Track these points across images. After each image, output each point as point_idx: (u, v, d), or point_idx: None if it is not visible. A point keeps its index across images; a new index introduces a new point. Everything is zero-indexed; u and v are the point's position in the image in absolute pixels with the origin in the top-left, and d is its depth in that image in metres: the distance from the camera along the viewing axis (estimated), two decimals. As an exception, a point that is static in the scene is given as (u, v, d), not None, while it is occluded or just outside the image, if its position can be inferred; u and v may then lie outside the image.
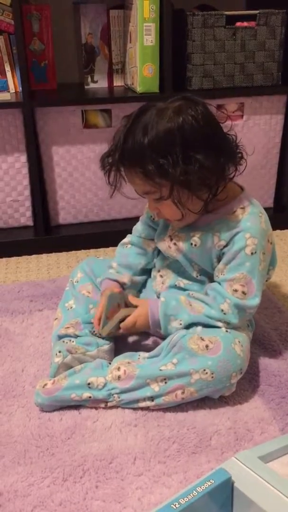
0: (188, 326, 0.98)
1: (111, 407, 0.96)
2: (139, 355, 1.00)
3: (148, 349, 1.05)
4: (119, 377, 0.95)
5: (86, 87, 1.73)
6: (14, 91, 1.62)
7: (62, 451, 0.87)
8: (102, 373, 0.96)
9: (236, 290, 0.96)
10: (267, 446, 0.76)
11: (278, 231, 1.72)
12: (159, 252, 1.14)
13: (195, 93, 1.07)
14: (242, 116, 1.65)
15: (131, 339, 1.14)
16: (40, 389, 0.95)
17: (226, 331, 0.96)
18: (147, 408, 0.95)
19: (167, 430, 0.91)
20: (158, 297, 1.10)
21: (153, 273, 1.14)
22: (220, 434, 0.90)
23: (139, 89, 1.56)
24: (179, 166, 0.88)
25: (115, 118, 1.57)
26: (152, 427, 0.92)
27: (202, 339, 0.94)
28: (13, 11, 1.43)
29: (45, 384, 0.95)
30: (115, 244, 1.21)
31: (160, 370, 0.93)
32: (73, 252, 1.63)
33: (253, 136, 1.68)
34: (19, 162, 1.57)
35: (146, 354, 0.99)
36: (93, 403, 0.95)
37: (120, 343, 1.10)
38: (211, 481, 0.68)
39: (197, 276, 1.05)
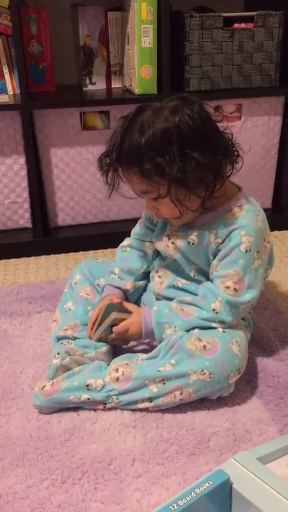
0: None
1: (110, 409, 0.96)
2: (137, 357, 1.00)
3: (146, 350, 1.05)
4: (117, 378, 0.95)
5: (84, 89, 1.73)
6: (12, 93, 1.62)
7: (61, 453, 0.87)
8: (101, 374, 0.96)
9: (228, 287, 0.96)
10: (265, 447, 0.76)
11: (276, 232, 1.73)
12: (158, 253, 1.14)
13: (193, 95, 1.07)
14: (240, 118, 1.65)
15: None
16: (39, 391, 0.95)
17: (223, 331, 0.96)
18: (145, 410, 0.95)
19: (165, 431, 0.91)
20: (157, 299, 1.10)
21: (151, 273, 1.14)
22: (219, 435, 0.90)
23: (137, 90, 1.56)
24: (176, 164, 0.88)
25: (113, 119, 1.58)
26: (150, 429, 0.92)
27: (200, 340, 0.94)
28: (11, 13, 1.43)
29: (44, 386, 0.95)
30: (114, 246, 1.21)
31: (159, 371, 0.93)
32: (72, 254, 1.63)
33: (251, 137, 1.68)
34: (17, 164, 1.58)
35: (145, 356, 0.99)
36: (92, 405, 0.95)
37: (117, 345, 1.10)
38: (209, 482, 0.68)
39: (194, 276, 1.05)
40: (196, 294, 1.04)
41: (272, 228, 1.04)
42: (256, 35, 1.56)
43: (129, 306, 1.07)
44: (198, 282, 1.05)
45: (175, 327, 0.98)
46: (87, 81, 1.73)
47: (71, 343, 1.04)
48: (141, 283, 1.16)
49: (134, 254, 1.16)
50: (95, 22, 1.66)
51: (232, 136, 0.96)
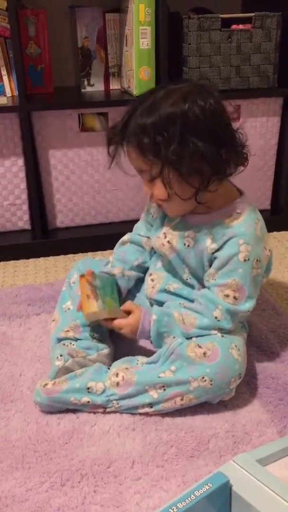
0: None
1: (109, 412, 0.95)
2: (138, 360, 0.99)
3: (146, 352, 1.05)
4: (117, 383, 0.94)
5: (82, 90, 1.73)
6: (10, 95, 1.62)
7: (60, 456, 0.87)
8: (101, 378, 0.96)
9: (227, 295, 0.96)
10: (265, 449, 0.76)
11: (275, 233, 1.72)
12: (154, 254, 1.14)
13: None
14: (238, 119, 1.65)
15: (130, 342, 1.13)
16: (41, 388, 0.95)
17: (222, 336, 0.96)
18: (145, 414, 0.95)
19: (165, 434, 0.91)
20: (151, 304, 1.09)
21: (146, 276, 1.14)
22: (218, 437, 0.90)
23: (135, 92, 1.56)
24: (173, 146, 0.88)
25: (111, 121, 1.57)
26: (150, 431, 0.92)
27: (200, 347, 0.94)
28: (9, 15, 1.43)
29: (46, 384, 0.95)
30: (113, 247, 1.21)
31: (159, 377, 0.93)
32: (71, 255, 1.63)
33: (249, 138, 1.64)
34: (16, 165, 1.57)
35: (145, 360, 0.98)
36: (92, 408, 0.95)
37: (118, 347, 1.10)
38: (209, 484, 0.67)
39: (187, 279, 1.05)
40: (187, 299, 1.04)
41: (271, 229, 1.04)
42: (254, 36, 1.56)
43: (130, 306, 1.05)
44: (191, 286, 1.05)
45: (173, 338, 0.98)
46: (85, 82, 1.73)
47: (73, 344, 1.03)
48: (133, 273, 1.15)
49: (132, 248, 1.17)
50: (93, 23, 1.66)
51: (245, 138, 0.96)
